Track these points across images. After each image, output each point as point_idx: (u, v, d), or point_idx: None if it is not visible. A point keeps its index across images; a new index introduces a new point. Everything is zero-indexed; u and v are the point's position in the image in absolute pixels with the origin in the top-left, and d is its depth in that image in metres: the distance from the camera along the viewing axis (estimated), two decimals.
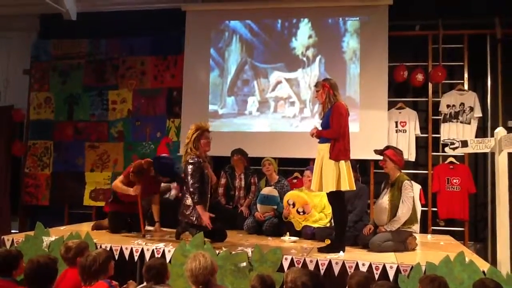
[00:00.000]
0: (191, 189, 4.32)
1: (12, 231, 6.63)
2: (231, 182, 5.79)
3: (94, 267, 2.85)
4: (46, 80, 7.28)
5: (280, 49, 6.55)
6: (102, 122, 7.02)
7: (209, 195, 4.56)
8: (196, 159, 4.37)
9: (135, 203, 4.81)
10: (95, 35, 7.15)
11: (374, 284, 2.71)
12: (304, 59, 6.47)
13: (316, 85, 4.31)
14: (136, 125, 6.91)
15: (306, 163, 5.54)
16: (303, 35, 6.50)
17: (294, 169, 6.28)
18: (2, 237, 4.47)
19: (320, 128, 4.18)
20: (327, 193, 4.19)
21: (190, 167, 4.35)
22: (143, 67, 6.97)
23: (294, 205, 5.13)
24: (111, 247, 4.09)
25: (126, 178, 4.90)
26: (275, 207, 5.32)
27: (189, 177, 4.34)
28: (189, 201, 4.40)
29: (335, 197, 4.14)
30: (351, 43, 6.36)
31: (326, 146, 4.07)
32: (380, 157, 4.58)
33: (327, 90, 4.15)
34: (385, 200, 4.37)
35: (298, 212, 5.11)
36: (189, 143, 4.42)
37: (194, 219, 4.36)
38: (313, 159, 4.28)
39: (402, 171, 4.55)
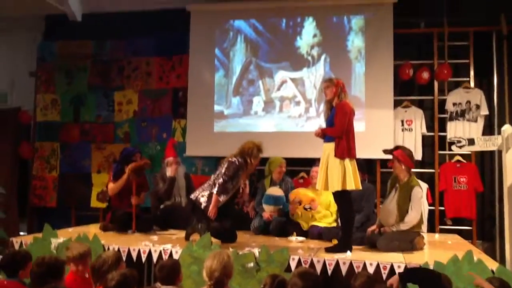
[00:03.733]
0: (220, 180, 4.43)
1: (21, 233, 6.66)
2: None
3: (104, 268, 2.88)
4: (52, 82, 7.28)
5: (284, 48, 6.53)
6: (108, 123, 7.03)
7: (227, 199, 4.58)
8: (239, 160, 4.52)
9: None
10: (100, 36, 7.15)
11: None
12: (309, 58, 6.45)
13: (329, 80, 4.26)
14: (142, 126, 6.92)
15: (312, 163, 5.53)
16: (308, 34, 6.48)
17: (300, 169, 6.26)
18: (11, 239, 4.50)
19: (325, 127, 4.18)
20: (333, 193, 4.18)
21: (229, 161, 4.51)
22: (148, 67, 6.97)
23: (300, 203, 5.12)
24: (118, 248, 4.10)
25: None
26: (281, 206, 5.31)
27: (223, 169, 4.48)
28: (207, 192, 4.49)
29: (341, 197, 4.13)
30: (356, 42, 6.34)
31: (332, 145, 4.06)
32: (387, 156, 4.56)
33: (340, 88, 4.14)
34: (392, 203, 4.32)
35: (305, 209, 5.09)
36: (243, 153, 4.56)
37: (204, 203, 4.42)
38: (320, 159, 4.27)
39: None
